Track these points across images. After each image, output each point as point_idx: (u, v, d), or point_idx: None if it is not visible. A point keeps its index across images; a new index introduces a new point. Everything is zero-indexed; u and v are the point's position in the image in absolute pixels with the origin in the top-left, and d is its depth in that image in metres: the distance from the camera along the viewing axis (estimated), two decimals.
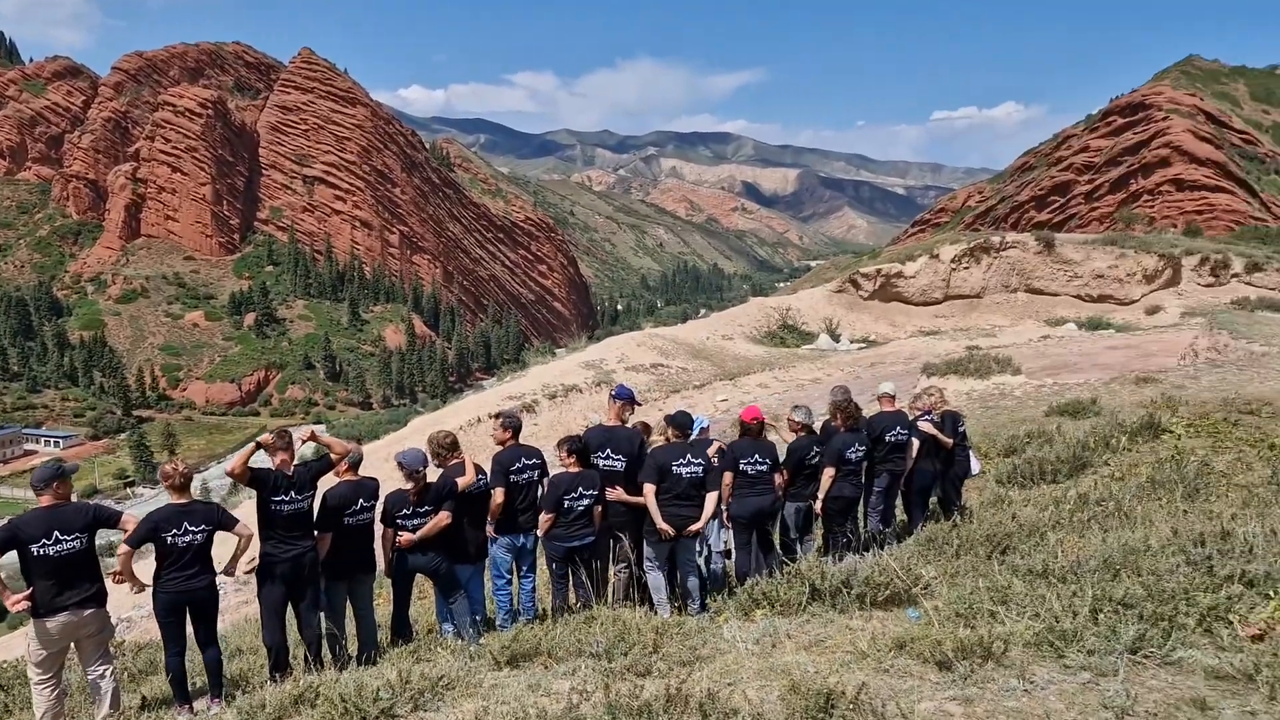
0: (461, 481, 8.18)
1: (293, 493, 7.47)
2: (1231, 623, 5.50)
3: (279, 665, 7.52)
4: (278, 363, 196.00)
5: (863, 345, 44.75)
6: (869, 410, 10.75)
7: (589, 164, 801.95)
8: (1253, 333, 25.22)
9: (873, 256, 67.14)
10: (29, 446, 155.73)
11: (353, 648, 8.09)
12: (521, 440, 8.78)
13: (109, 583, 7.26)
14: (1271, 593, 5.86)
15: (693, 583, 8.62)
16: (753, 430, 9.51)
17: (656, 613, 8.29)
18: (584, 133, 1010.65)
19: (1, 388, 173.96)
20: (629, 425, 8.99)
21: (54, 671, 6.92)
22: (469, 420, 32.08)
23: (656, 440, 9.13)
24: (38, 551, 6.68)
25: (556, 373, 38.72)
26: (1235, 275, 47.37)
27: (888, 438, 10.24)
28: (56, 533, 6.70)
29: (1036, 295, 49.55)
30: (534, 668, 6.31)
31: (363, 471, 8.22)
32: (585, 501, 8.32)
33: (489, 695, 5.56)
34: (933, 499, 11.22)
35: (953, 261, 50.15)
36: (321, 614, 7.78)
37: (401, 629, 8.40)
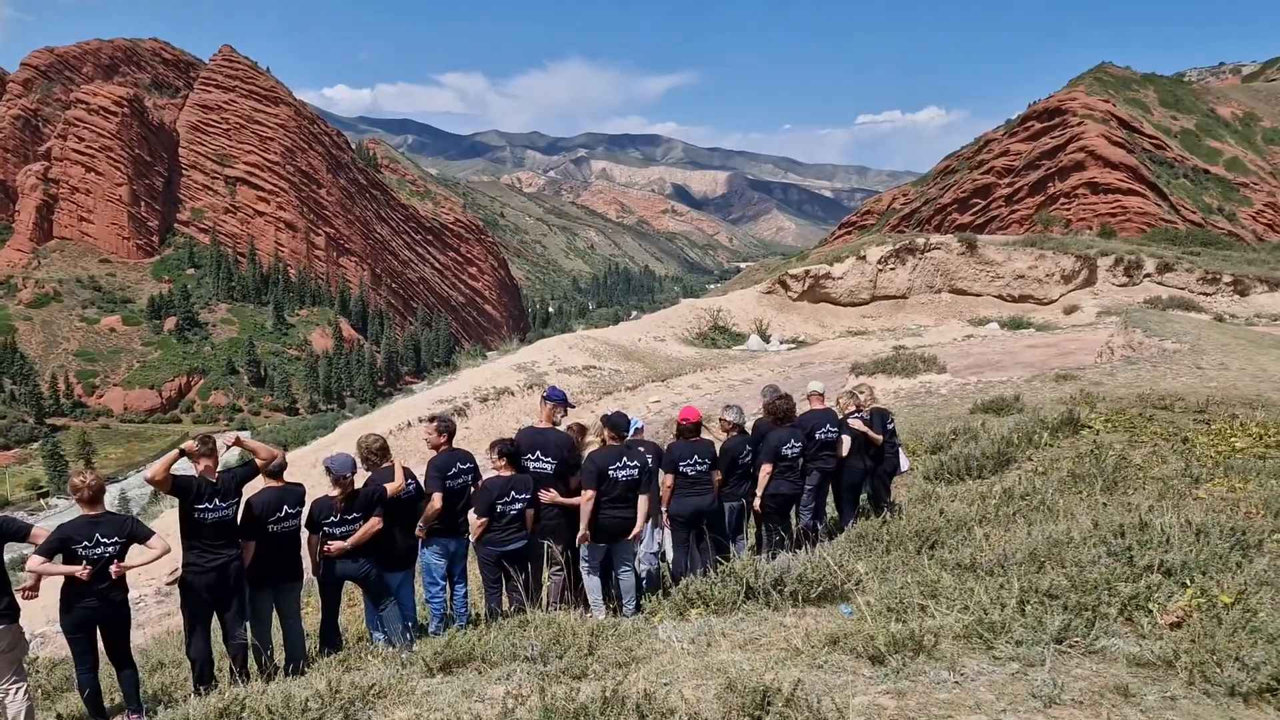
0: (391, 487, 8.03)
1: (217, 500, 7.26)
2: (1151, 611, 5.67)
3: (203, 678, 7.29)
4: (200, 368, 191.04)
5: (793, 345, 45.26)
6: (800, 409, 10.85)
7: (519, 166, 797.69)
8: (1165, 330, 26.14)
9: (801, 258, 67.99)
10: None
11: (280, 657, 7.89)
12: (454, 444, 8.67)
13: (19, 598, 6.96)
14: (1188, 581, 6.05)
15: (627, 583, 8.60)
16: (690, 431, 9.52)
17: (592, 615, 8.25)
18: (514, 134, 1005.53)
19: None
20: (560, 428, 8.93)
21: None
22: (399, 425, 31.66)
23: (593, 442, 9.08)
24: None
25: (488, 375, 38.41)
26: (1148, 275, 49.02)
27: (818, 435, 10.35)
28: None
29: (960, 295, 50.67)
30: (468, 673, 6.22)
31: (290, 478, 8.03)
32: (518, 506, 8.25)
33: (421, 703, 5.46)
34: (863, 496, 11.38)
35: (879, 263, 51.01)
36: (247, 624, 7.58)
37: (330, 637, 8.22)
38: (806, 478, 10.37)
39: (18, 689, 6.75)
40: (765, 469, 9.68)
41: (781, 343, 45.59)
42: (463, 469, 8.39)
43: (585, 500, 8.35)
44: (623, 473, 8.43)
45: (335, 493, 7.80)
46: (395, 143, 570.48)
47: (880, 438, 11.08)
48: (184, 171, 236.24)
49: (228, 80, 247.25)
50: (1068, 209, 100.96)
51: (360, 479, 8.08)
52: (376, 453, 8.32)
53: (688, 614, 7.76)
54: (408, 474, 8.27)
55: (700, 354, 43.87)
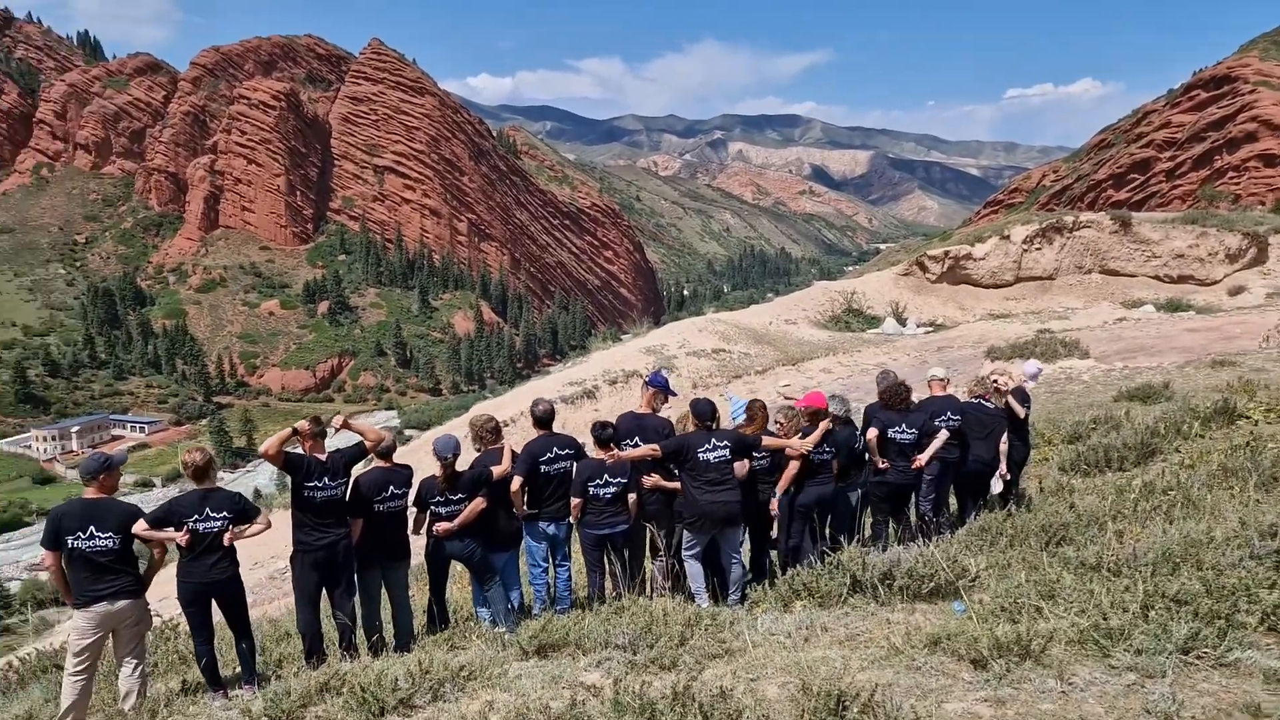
0: (496, 470, 8.11)
1: (326, 479, 7.45)
2: None
3: (313, 651, 7.52)
4: (350, 350, 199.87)
5: (930, 329, 43.84)
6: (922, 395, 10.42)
7: (655, 149, 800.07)
8: None
9: (943, 239, 65.75)
10: (116, 432, 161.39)
11: (389, 634, 8.08)
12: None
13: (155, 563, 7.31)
14: None
15: (735, 575, 8.41)
16: (818, 417, 9.28)
17: (694, 602, 8.13)
18: (650, 118, 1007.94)
19: (90, 375, 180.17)
20: (660, 414, 8.81)
21: (89, 662, 6.99)
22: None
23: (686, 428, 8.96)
24: (71, 543, 6.77)
25: (618, 358, 38.67)
26: None
27: (939, 423, 9.91)
28: (92, 528, 6.78)
29: (1112, 276, 47.99)
30: (561, 658, 6.21)
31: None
32: (612, 489, 8.18)
33: (510, 686, 5.46)
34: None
35: (1024, 242, 48.82)
36: (355, 601, 7.78)
37: (439, 615, 8.37)
38: (925, 467, 9.95)
39: (135, 666, 7.10)
40: (871, 433, 9.45)
41: (918, 326, 44.22)
42: (561, 454, 8.37)
43: (653, 450, 8.24)
44: (713, 454, 8.24)
45: (438, 472, 7.92)
46: (535, 129, 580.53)
47: (1024, 411, 10.60)
48: (336, 161, 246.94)
49: (376, 73, 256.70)
50: (1236, 183, 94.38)
51: (468, 460, 8.18)
52: (489, 432, 8.42)
53: (792, 606, 7.56)
54: (514, 456, 8.32)
55: (833, 337, 43.02)
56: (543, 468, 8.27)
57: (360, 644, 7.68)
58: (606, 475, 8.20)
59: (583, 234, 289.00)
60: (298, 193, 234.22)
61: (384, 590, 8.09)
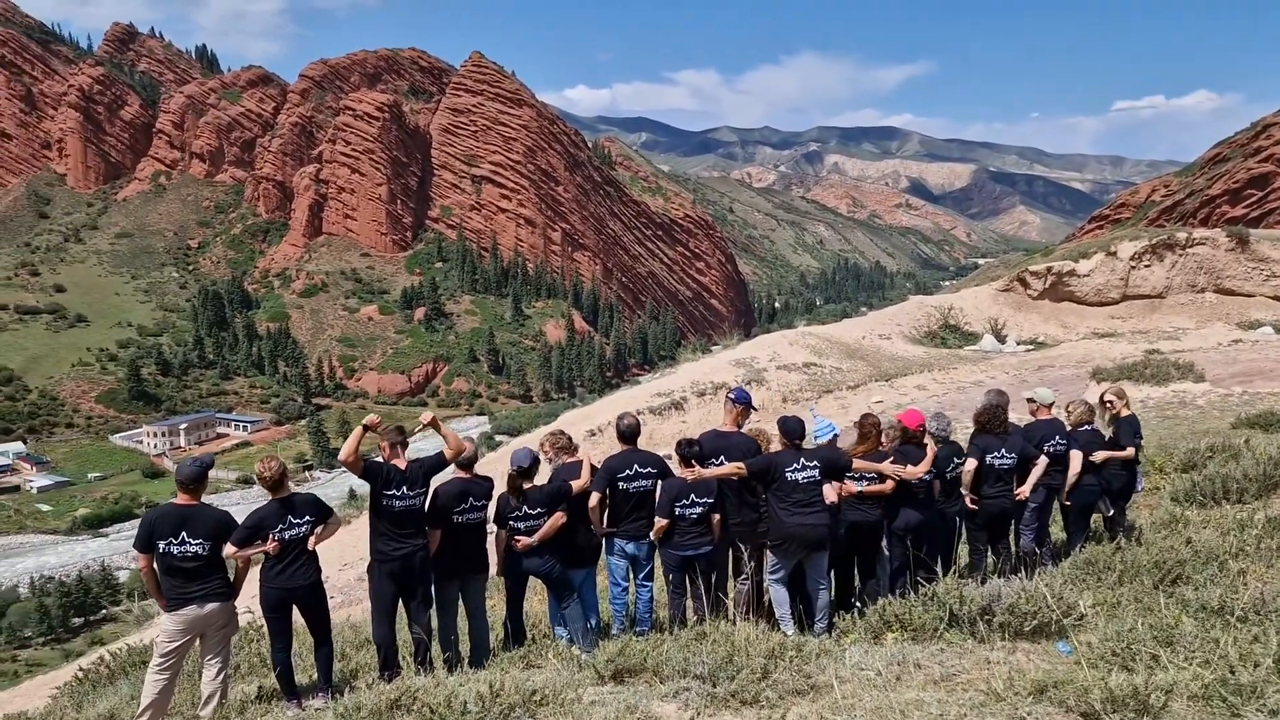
0: (576, 484, 7.91)
1: (404, 488, 7.36)
2: None
3: (388, 664, 7.45)
4: (445, 355, 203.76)
5: (1030, 347, 42.37)
6: (1023, 419, 9.88)
7: (749, 161, 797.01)
8: None
9: (1045, 254, 63.64)
10: (221, 430, 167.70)
11: (465, 648, 7.95)
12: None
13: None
14: None
15: (821, 601, 8.06)
16: (916, 438, 8.88)
17: (779, 629, 7.80)
18: (745, 129, 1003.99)
19: (199, 374, 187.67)
20: (744, 431, 8.51)
21: (174, 663, 7.05)
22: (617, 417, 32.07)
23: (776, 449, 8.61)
24: (163, 548, 6.83)
25: (706, 370, 38.31)
26: None
27: (1045, 448, 9.36)
28: (185, 534, 6.83)
29: (1227, 296, 45.70)
30: (638, 684, 5.97)
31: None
32: (698, 509, 7.91)
33: (583, 715, 5.24)
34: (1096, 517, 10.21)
35: (1132, 259, 46.86)
36: (431, 613, 7.67)
37: (515, 631, 8.21)
38: (1032, 494, 9.42)
39: (219, 670, 7.12)
40: (970, 466, 8.89)
41: (1018, 344, 42.78)
42: (642, 471, 8.11)
43: (738, 470, 7.92)
44: (801, 475, 7.90)
45: (510, 485, 7.76)
46: (629, 140, 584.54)
47: (1130, 451, 9.90)
48: (435, 171, 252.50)
49: (476, 85, 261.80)
50: None
51: (544, 474, 8.01)
52: (561, 449, 8.23)
53: (883, 638, 7.18)
54: (595, 471, 8.12)
55: (928, 353, 41.90)
56: (621, 484, 8.05)
57: (435, 658, 7.56)
58: (693, 495, 7.93)
59: (675, 245, 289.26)
60: (398, 201, 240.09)
61: (461, 604, 7.96)
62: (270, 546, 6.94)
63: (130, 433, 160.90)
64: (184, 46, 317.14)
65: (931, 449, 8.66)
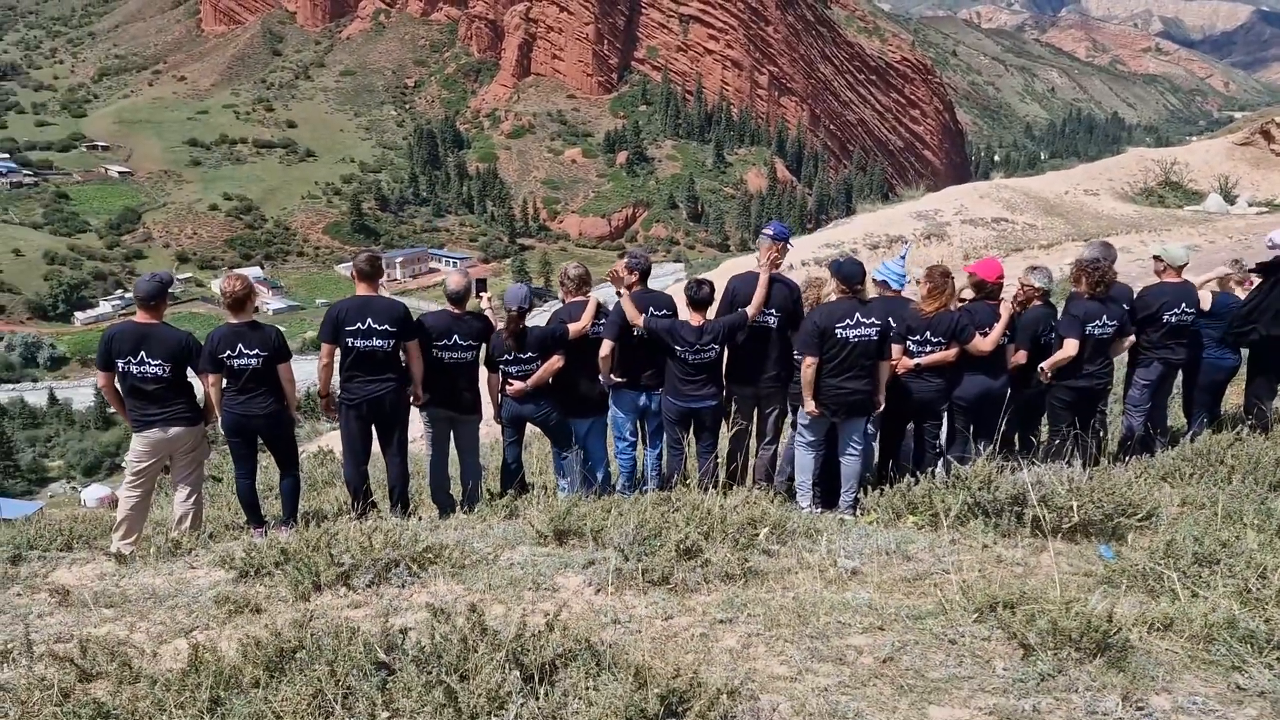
0: (573, 327, 7.16)
1: (369, 332, 7.00)
2: None
3: (357, 503, 7.17)
4: (645, 200, 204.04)
5: (1264, 209, 37.32)
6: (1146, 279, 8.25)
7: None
8: None
9: None
10: (433, 265, 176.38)
11: (456, 491, 7.59)
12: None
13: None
14: None
15: (849, 469, 7.06)
16: (993, 292, 7.56)
17: (793, 501, 6.94)
18: None
19: (414, 211, 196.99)
20: (782, 272, 7.41)
21: (144, 483, 7.03)
22: None
23: (828, 296, 7.43)
24: (122, 367, 6.67)
25: (882, 221, 36.09)
26: None
27: (1165, 317, 7.75)
28: (143, 353, 6.62)
29: None
30: (572, 550, 5.33)
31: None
32: (707, 355, 6.99)
33: (470, 575, 4.68)
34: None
35: None
36: (405, 457, 7.35)
37: (507, 476, 7.72)
38: (1140, 369, 7.93)
39: (190, 493, 7.04)
40: (1069, 344, 7.41)
41: (1250, 205, 37.75)
42: (655, 314, 7.24)
43: (806, 366, 6.87)
44: (853, 333, 6.78)
45: (503, 325, 7.14)
46: None
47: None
48: (643, 10, 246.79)
49: None
50: None
51: (543, 315, 7.35)
52: (572, 282, 7.49)
53: (902, 520, 6.22)
54: (601, 312, 7.32)
55: (1140, 212, 37.70)
56: (636, 331, 7.21)
57: (418, 501, 7.26)
58: (700, 340, 7.02)
59: (889, 91, 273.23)
60: (605, 41, 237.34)
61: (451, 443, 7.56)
62: (212, 388, 6.72)
63: (350, 263, 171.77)
64: None
65: (1007, 309, 7.31)
